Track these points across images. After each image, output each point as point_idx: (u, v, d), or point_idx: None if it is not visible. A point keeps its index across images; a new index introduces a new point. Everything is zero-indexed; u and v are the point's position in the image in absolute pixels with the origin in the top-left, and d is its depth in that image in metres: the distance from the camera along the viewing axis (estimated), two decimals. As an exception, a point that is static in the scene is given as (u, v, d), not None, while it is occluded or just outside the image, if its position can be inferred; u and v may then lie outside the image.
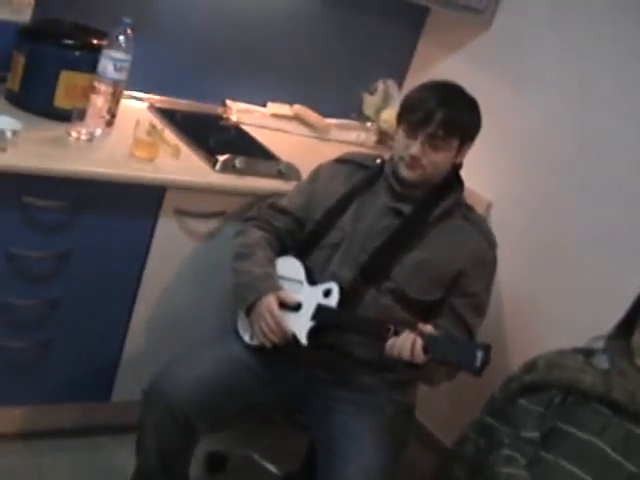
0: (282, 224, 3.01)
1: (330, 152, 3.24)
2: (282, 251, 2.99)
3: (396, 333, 2.56)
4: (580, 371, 2.56)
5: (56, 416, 3.30)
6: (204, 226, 3.22)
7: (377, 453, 2.72)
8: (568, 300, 3.45)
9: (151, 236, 3.13)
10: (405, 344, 2.51)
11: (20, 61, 3.05)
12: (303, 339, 2.72)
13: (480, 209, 3.39)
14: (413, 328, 2.54)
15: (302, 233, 2.99)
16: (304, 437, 3.08)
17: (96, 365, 3.28)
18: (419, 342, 2.49)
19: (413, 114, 2.76)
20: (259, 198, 3.19)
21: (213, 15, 3.70)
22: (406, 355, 2.51)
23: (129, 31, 3.08)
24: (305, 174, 3.24)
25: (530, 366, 2.70)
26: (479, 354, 2.39)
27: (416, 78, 3.80)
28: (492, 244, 2.89)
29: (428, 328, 2.54)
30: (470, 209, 2.95)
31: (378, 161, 3.01)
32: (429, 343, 2.49)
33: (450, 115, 2.72)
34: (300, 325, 2.73)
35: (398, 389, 2.89)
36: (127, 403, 3.06)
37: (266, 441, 3.49)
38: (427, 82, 2.88)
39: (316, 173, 3.08)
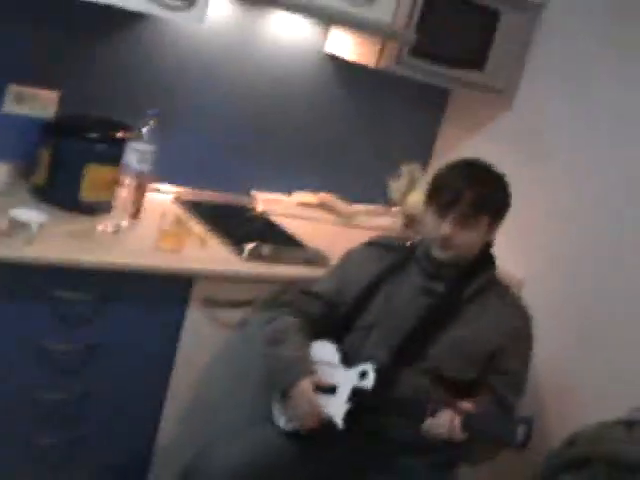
0: (314, 309, 2.97)
1: (357, 238, 3.24)
2: (316, 336, 2.95)
3: (434, 412, 2.53)
4: (624, 443, 2.50)
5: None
6: (233, 315, 3.20)
7: None
8: (608, 373, 3.41)
9: (180, 326, 3.12)
10: (443, 422, 2.49)
11: (45, 156, 3.10)
12: (339, 422, 2.67)
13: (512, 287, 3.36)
14: (451, 406, 2.51)
15: (335, 317, 2.96)
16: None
17: (129, 458, 3.25)
18: (457, 420, 2.46)
19: (442, 194, 2.75)
20: (287, 285, 3.15)
21: (236, 107, 3.77)
22: (444, 434, 2.48)
23: (152, 122, 3.12)
24: (333, 260, 3.24)
25: (571, 440, 2.63)
26: (520, 429, 2.35)
27: (440, 160, 3.82)
28: (527, 320, 2.86)
29: (466, 405, 2.51)
30: (505, 288, 2.93)
31: (408, 243, 2.99)
32: (468, 420, 2.46)
33: (479, 194, 2.71)
34: (336, 408, 2.69)
35: (440, 471, 2.83)
36: None
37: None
38: (454, 161, 2.87)
39: (346, 257, 3.07)
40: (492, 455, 2.76)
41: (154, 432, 3.25)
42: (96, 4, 2.86)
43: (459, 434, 2.46)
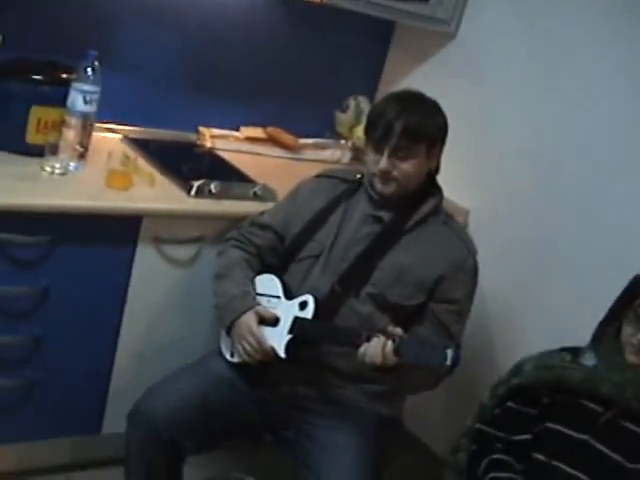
0: (263, 241, 3.06)
1: (305, 172, 3.29)
2: (264, 268, 3.04)
3: (368, 339, 2.58)
4: (567, 369, 2.59)
5: (48, 452, 3.33)
6: (183, 252, 3.27)
7: (356, 467, 2.76)
8: (552, 303, 3.49)
9: (131, 266, 3.16)
10: (376, 349, 2.53)
11: (-11, 99, 3.11)
12: (281, 353, 2.77)
13: (459, 217, 3.42)
14: (384, 333, 2.55)
15: (282, 248, 3.05)
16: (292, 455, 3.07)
17: (85, 399, 3.31)
18: (389, 345, 2.50)
19: (375, 130, 2.81)
20: (236, 221, 3.22)
21: (180, 42, 3.79)
22: (377, 360, 2.52)
23: (96, 63, 3.12)
24: (281, 195, 3.30)
25: (517, 369, 2.73)
26: (449, 352, 2.39)
27: (387, 92, 3.83)
28: (472, 251, 2.92)
29: (398, 331, 2.54)
30: (449, 216, 2.99)
31: (358, 176, 3.05)
32: (399, 345, 2.50)
33: (410, 123, 2.75)
34: (279, 339, 2.79)
35: (382, 402, 2.92)
36: (118, 435, 3.01)
37: (260, 463, 3.48)
38: (386, 95, 2.94)
39: (297, 190, 3.14)
40: (429, 382, 2.82)
41: (108, 373, 3.30)
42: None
43: (391, 359, 2.50)
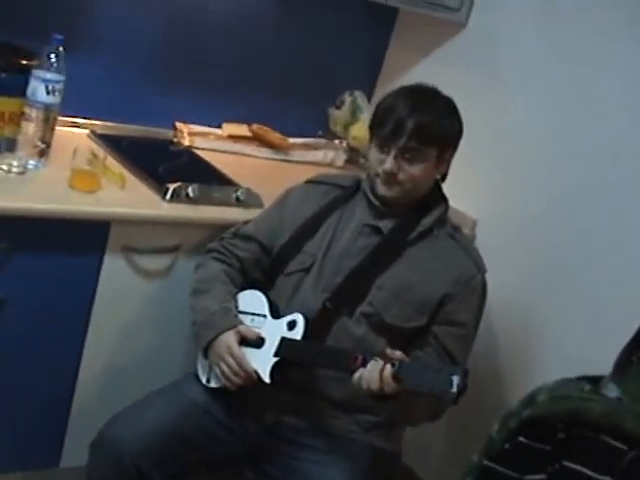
0: (246, 253, 3.02)
1: (295, 175, 3.31)
2: (248, 284, 3.01)
3: (365, 363, 2.52)
4: (586, 400, 2.52)
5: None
6: (156, 263, 3.22)
7: None
8: (569, 325, 3.44)
9: (97, 277, 3.11)
10: (373, 373, 2.45)
11: (-62, 87, 3.04)
12: (266, 377, 2.71)
13: (465, 228, 3.41)
14: (383, 357, 2.49)
15: (268, 261, 3.01)
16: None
17: (42, 427, 3.25)
18: (388, 370, 2.43)
19: (383, 126, 2.76)
20: (217, 229, 3.20)
21: (159, 28, 3.75)
22: (375, 386, 2.45)
23: (61, 49, 3.06)
24: (267, 200, 3.27)
25: (530, 399, 2.63)
26: (455, 379, 2.32)
27: (387, 87, 3.81)
28: (481, 269, 2.88)
29: (398, 354, 2.48)
30: (456, 229, 2.95)
31: (354, 180, 3.04)
32: (399, 370, 2.43)
33: (423, 123, 2.71)
34: (263, 362, 2.74)
35: (378, 433, 2.87)
36: (79, 469, 2.97)
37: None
38: (398, 88, 2.88)
39: (285, 197, 3.10)
40: (431, 414, 2.78)
41: (69, 397, 3.24)
42: None
43: (390, 385, 2.43)
